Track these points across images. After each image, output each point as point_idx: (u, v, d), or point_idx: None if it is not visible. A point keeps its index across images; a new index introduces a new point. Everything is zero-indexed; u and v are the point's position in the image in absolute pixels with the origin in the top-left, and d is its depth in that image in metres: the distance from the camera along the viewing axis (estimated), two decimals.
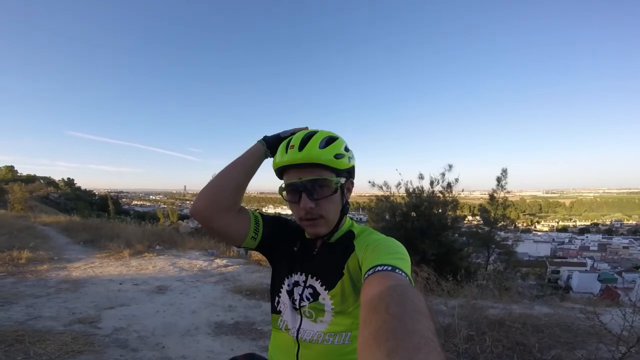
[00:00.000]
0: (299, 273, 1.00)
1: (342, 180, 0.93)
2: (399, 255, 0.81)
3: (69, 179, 44.77)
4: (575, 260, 42.03)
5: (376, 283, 0.66)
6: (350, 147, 0.99)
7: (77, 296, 4.41)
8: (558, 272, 33.67)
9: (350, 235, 0.99)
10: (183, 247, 8.81)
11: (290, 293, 1.00)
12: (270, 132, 1.08)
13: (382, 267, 0.72)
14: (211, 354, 3.02)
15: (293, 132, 1.02)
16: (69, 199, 35.75)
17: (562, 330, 3.09)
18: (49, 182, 42.22)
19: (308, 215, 0.90)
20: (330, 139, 0.92)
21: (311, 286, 0.97)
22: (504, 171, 10.10)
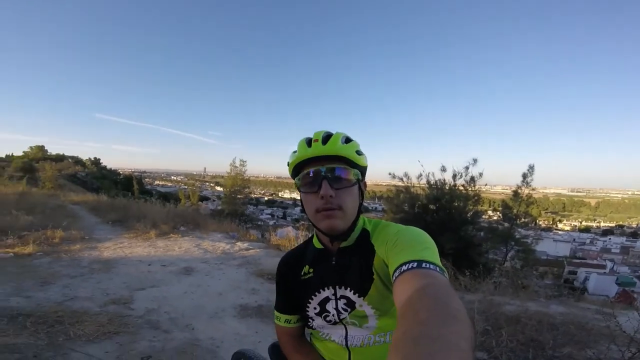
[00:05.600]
0: (325, 289, 0.96)
1: (360, 175, 0.93)
2: (423, 244, 0.77)
3: (95, 158, 46.24)
4: (595, 262, 40.63)
5: (405, 286, 0.64)
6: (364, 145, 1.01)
7: (110, 277, 4.66)
8: (575, 273, 33.06)
9: (365, 235, 0.95)
10: (206, 229, 9.07)
11: (319, 314, 0.97)
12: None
13: (408, 264, 0.69)
14: (237, 336, 3.17)
15: None
16: (95, 177, 37.06)
17: (576, 329, 3.09)
18: (77, 161, 43.80)
19: (327, 205, 0.86)
20: (349, 139, 0.94)
21: (343, 297, 0.93)
22: (531, 167, 9.69)
